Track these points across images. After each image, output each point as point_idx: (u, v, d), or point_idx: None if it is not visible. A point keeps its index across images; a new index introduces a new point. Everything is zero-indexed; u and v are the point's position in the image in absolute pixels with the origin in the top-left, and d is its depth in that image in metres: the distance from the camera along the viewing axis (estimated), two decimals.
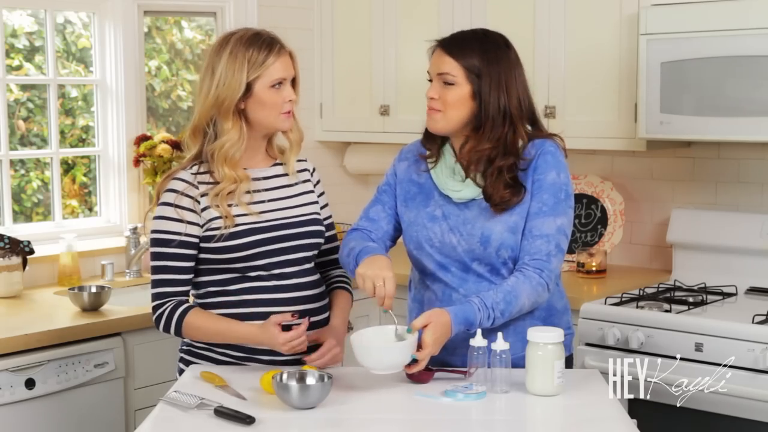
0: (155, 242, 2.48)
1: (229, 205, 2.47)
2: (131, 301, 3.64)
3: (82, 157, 4.31)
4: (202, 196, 2.47)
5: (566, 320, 2.59)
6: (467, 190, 2.48)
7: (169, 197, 2.47)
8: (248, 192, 2.51)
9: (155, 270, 2.49)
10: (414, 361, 2.27)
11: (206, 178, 2.49)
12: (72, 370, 3.06)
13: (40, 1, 3.95)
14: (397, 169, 2.63)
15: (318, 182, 2.68)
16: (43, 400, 3.00)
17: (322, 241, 2.61)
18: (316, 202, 2.63)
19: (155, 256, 2.48)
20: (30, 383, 2.96)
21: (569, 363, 2.59)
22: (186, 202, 2.46)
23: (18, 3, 3.97)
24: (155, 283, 2.48)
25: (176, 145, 4.09)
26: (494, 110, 2.43)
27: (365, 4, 4.29)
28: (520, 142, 2.47)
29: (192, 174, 2.49)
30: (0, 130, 3.81)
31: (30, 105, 4.33)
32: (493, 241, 2.44)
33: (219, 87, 2.44)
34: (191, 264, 2.49)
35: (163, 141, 4.07)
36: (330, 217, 2.68)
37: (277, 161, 2.60)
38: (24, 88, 4.24)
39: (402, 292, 2.65)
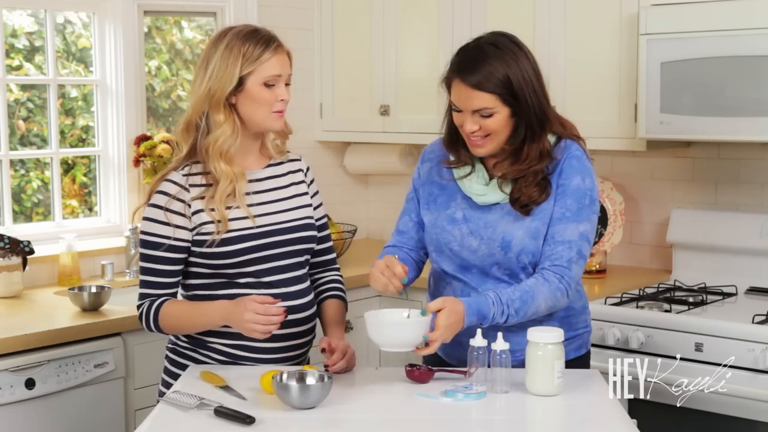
0: (144, 243, 2.46)
1: (227, 208, 2.44)
2: (131, 301, 3.61)
3: (82, 157, 4.31)
4: (193, 199, 2.44)
5: (584, 319, 2.59)
6: (492, 194, 2.47)
7: (159, 200, 2.44)
8: (247, 193, 2.48)
9: (142, 271, 2.49)
10: (425, 346, 2.26)
11: (198, 180, 2.45)
12: (72, 370, 3.06)
13: (40, 1, 3.95)
14: (421, 171, 2.62)
15: (312, 181, 2.65)
16: (43, 400, 3.00)
17: (313, 245, 2.57)
18: (310, 205, 2.59)
19: (143, 257, 2.48)
20: (30, 383, 2.96)
21: (586, 361, 2.60)
22: (177, 206, 2.43)
23: (18, 3, 3.97)
24: (141, 284, 2.49)
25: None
26: (534, 122, 2.40)
27: (365, 4, 4.29)
28: (552, 140, 2.46)
29: (183, 176, 2.45)
30: (0, 130, 3.81)
31: (30, 105, 4.33)
32: (514, 246, 2.43)
33: (211, 79, 2.41)
34: (179, 267, 2.47)
35: (163, 141, 4.07)
36: (323, 217, 2.66)
37: (271, 162, 2.57)
38: (24, 88, 4.24)
39: (420, 294, 2.65)
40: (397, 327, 2.27)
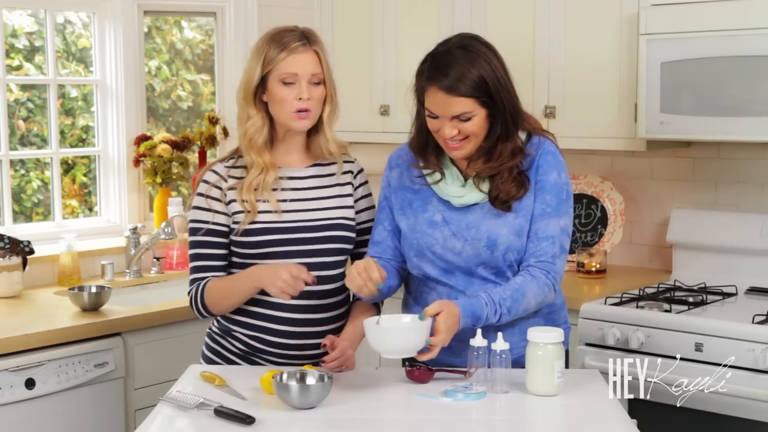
0: (189, 231, 2.58)
1: (263, 201, 2.49)
2: (131, 301, 3.64)
3: (82, 157, 4.32)
4: (229, 189, 2.52)
5: (564, 315, 2.59)
6: (470, 195, 2.46)
7: (201, 188, 2.56)
8: (275, 189, 2.51)
9: (190, 258, 2.58)
10: (425, 351, 2.26)
11: (239, 172, 2.54)
12: (72, 370, 3.06)
13: (40, 1, 3.95)
14: (390, 178, 2.59)
15: (362, 184, 2.65)
16: (43, 400, 3.00)
17: (348, 246, 2.56)
18: (351, 207, 2.59)
19: (190, 245, 2.57)
20: (30, 383, 2.96)
21: (567, 358, 2.58)
22: (215, 193, 2.53)
23: (18, 3, 3.97)
24: (190, 271, 2.57)
25: (176, 145, 4.09)
26: (509, 120, 2.40)
27: (365, 4, 4.29)
28: (524, 136, 2.46)
29: (226, 167, 2.56)
30: (0, 130, 3.81)
31: (30, 105, 4.34)
32: (500, 244, 2.42)
33: (244, 76, 2.53)
34: (222, 251, 2.54)
35: (163, 141, 4.08)
36: (371, 221, 2.64)
37: (317, 162, 2.59)
38: (24, 88, 4.25)
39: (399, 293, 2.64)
40: (397, 334, 2.26)
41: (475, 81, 2.34)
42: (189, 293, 2.55)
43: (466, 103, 2.35)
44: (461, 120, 2.36)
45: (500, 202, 2.42)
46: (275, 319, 2.50)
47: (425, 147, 2.50)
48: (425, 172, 2.51)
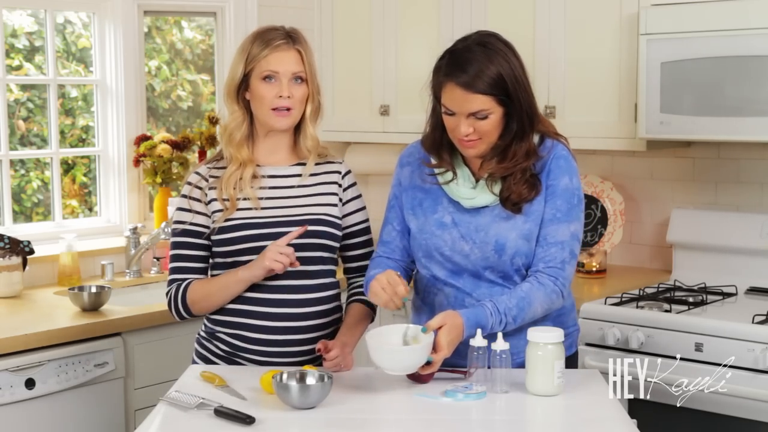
0: (171, 232, 2.59)
1: (244, 199, 2.49)
2: (131, 301, 3.64)
3: (82, 157, 4.32)
4: (209, 189, 2.53)
5: (573, 317, 2.58)
6: (481, 197, 2.44)
7: (184, 190, 2.57)
8: (252, 187, 2.51)
9: (170, 258, 2.58)
10: (428, 363, 2.26)
11: (219, 173, 2.55)
12: (72, 370, 3.06)
13: (40, 1, 3.95)
14: (400, 176, 2.58)
15: (350, 186, 2.64)
16: (43, 400, 3.00)
17: (330, 243, 2.55)
18: (335, 205, 2.58)
19: (171, 245, 2.58)
20: (30, 383, 2.96)
21: (574, 360, 2.59)
22: (196, 193, 2.54)
23: (18, 3, 3.97)
24: (169, 271, 2.57)
25: (176, 145, 4.09)
26: (525, 120, 2.38)
27: (365, 4, 4.29)
28: (536, 139, 2.45)
29: (208, 168, 2.57)
30: (0, 130, 3.81)
31: (30, 105, 4.34)
32: (508, 249, 2.41)
33: (228, 73, 2.55)
34: (199, 252, 2.53)
35: (163, 141, 4.08)
36: (362, 222, 2.64)
37: (300, 161, 2.59)
38: (24, 88, 4.25)
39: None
40: (400, 354, 2.25)
41: (493, 78, 2.33)
42: (167, 294, 2.53)
43: (484, 100, 2.33)
44: (477, 118, 2.34)
45: (511, 203, 2.41)
46: (256, 314, 2.48)
47: (440, 145, 2.47)
48: (437, 171, 2.50)
